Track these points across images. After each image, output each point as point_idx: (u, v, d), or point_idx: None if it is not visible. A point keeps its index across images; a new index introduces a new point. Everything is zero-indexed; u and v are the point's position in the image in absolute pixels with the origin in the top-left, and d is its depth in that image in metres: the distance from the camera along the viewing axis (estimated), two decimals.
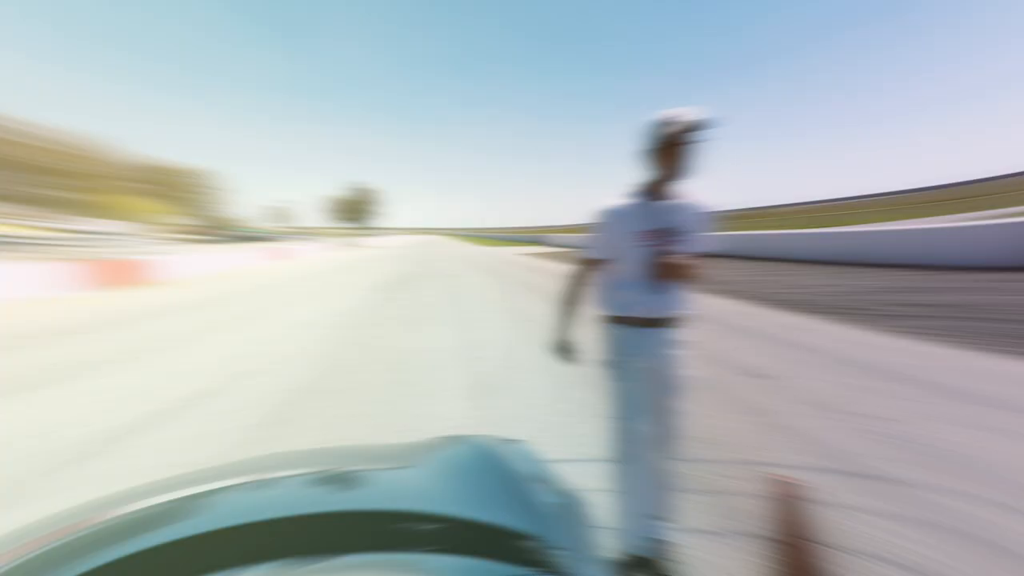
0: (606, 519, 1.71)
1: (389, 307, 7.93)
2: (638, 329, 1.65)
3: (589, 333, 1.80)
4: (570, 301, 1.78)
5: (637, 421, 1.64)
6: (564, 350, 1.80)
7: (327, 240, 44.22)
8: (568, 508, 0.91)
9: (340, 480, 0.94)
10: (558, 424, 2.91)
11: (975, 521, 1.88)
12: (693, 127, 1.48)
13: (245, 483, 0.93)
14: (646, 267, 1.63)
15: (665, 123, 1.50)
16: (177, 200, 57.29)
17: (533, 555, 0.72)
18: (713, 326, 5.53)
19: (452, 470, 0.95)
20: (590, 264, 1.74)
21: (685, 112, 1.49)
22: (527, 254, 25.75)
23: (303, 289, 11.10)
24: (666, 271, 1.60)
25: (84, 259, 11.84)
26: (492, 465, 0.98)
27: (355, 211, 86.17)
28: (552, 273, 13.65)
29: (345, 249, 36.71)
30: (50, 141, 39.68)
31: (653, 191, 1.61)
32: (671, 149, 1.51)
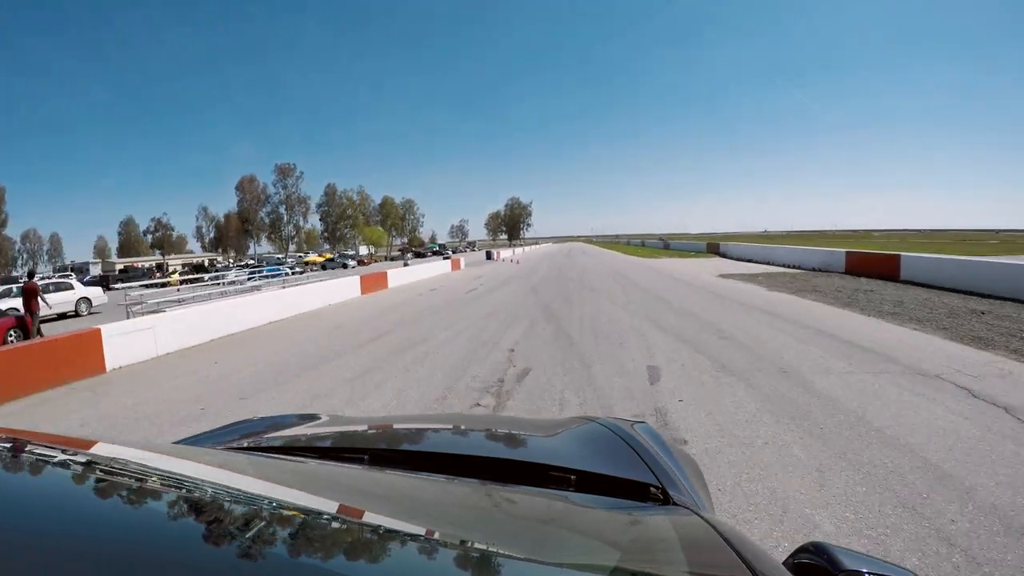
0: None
1: None
2: None
3: None
4: None
5: None
6: None
7: (481, 251, 50.16)
8: (679, 466, 1.08)
9: (504, 438, 1.32)
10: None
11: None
12: None
13: (443, 428, 1.52)
14: None
15: None
16: (393, 226, 78.44)
17: (648, 496, 0.87)
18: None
19: (584, 438, 1.18)
20: None
21: None
22: (742, 276, 14.54)
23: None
24: None
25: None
26: (617, 436, 1.15)
27: (509, 224, 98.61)
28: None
29: (489, 262, 35.91)
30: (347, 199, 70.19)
31: None
32: None
